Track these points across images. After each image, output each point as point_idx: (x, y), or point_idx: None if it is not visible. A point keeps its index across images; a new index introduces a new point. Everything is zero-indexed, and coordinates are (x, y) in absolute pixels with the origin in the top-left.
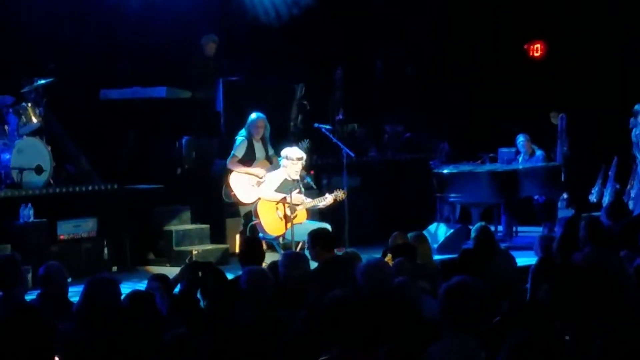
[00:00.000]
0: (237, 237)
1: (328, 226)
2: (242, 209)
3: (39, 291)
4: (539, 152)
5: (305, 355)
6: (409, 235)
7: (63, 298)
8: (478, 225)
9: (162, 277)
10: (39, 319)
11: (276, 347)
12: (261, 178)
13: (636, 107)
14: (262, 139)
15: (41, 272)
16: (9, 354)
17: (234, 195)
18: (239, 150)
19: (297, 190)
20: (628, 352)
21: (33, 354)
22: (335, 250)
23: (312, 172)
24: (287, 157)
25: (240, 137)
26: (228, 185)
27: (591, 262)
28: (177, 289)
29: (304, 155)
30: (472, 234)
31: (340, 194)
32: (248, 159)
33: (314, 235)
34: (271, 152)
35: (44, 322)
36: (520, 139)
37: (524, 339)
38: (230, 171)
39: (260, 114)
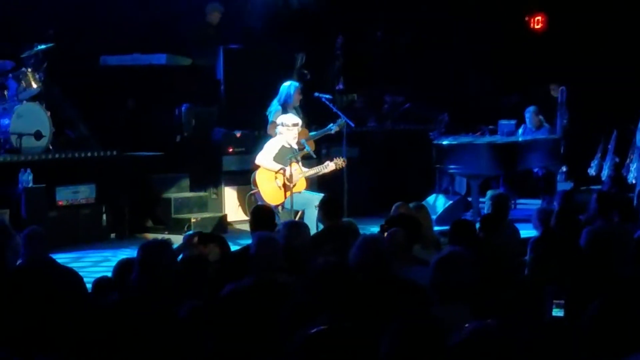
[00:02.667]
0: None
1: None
2: None
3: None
4: (546, 125)
5: (304, 321)
6: (410, 205)
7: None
8: (497, 191)
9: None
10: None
11: (277, 312)
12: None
13: None
14: (295, 108)
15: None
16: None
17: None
18: (276, 116)
19: (296, 160)
20: (620, 324)
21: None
22: None
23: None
24: (282, 124)
25: (274, 106)
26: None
27: (603, 236)
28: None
29: (300, 121)
30: (488, 200)
31: (340, 162)
32: None
33: (321, 202)
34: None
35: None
36: (529, 111)
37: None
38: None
39: (296, 82)
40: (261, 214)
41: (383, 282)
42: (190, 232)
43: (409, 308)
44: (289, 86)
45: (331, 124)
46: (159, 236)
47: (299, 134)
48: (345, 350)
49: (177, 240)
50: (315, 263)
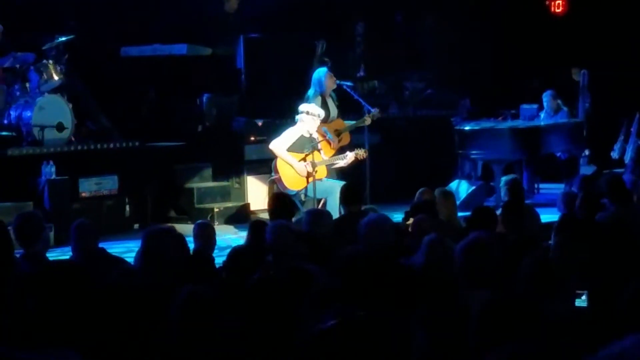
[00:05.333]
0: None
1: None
2: None
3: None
4: (564, 109)
5: (328, 308)
6: (436, 192)
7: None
8: (510, 177)
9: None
10: (75, 276)
11: (301, 300)
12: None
13: None
14: (331, 95)
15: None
16: (46, 311)
17: None
18: (315, 102)
19: (317, 147)
20: None
21: (71, 311)
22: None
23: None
24: (308, 113)
25: (312, 93)
26: None
27: (614, 221)
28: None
29: (323, 113)
30: (503, 186)
31: (361, 152)
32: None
33: (341, 189)
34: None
35: (80, 278)
36: (547, 94)
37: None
38: None
39: (324, 68)
40: (279, 202)
41: (405, 269)
42: (200, 221)
43: (437, 295)
44: (318, 73)
45: (365, 116)
46: (182, 227)
47: (334, 124)
48: (366, 340)
49: None
50: (341, 251)
